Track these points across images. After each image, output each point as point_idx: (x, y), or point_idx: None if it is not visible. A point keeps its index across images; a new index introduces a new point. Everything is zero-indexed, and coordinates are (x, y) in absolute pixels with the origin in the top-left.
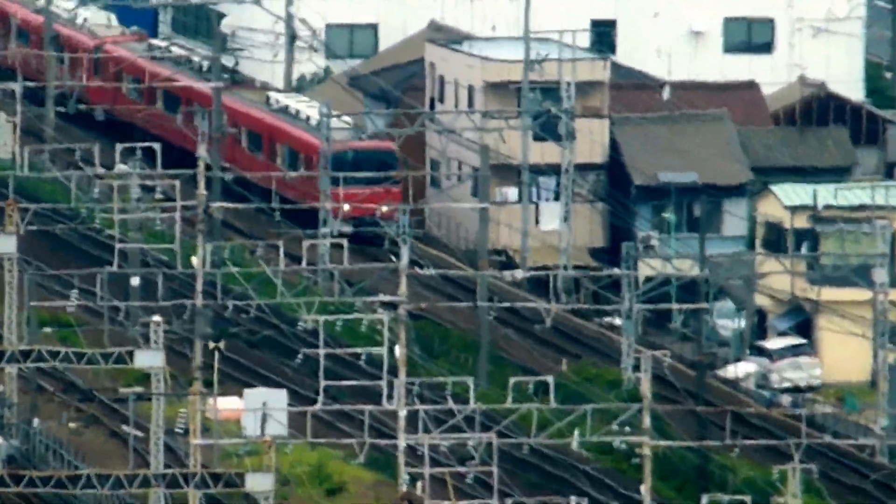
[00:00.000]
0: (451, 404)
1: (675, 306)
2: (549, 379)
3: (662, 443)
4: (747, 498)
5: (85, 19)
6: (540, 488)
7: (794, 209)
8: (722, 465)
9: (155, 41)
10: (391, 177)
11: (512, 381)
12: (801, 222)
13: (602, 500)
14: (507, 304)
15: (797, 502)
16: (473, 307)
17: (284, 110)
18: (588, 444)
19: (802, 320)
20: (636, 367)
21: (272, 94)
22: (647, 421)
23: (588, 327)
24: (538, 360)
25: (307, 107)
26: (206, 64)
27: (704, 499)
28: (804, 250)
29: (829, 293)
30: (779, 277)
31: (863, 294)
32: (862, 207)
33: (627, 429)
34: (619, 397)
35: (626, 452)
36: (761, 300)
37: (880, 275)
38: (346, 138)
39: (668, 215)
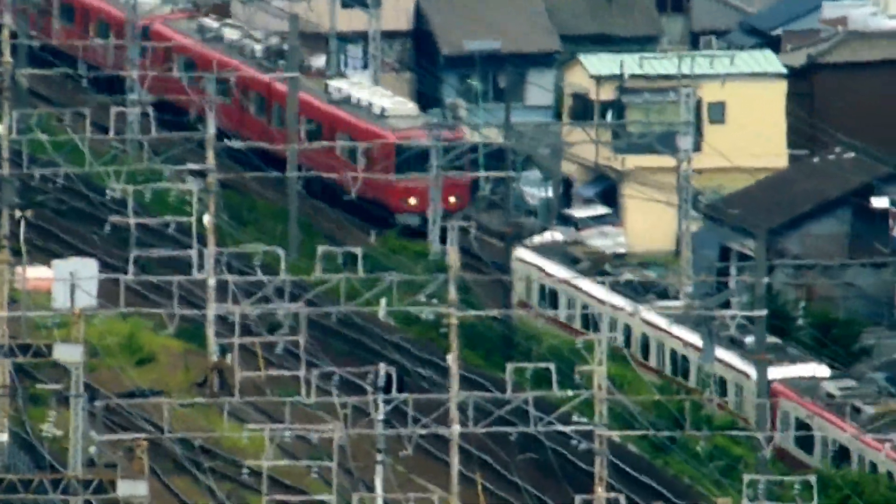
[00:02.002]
0: (260, 275)
1: (481, 174)
2: (357, 250)
3: (469, 312)
4: (551, 366)
5: None
6: (348, 357)
7: (600, 79)
8: (527, 334)
9: None
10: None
11: (320, 250)
12: (608, 92)
13: (410, 368)
14: (314, 174)
15: (602, 370)
16: (282, 177)
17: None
18: (395, 314)
19: (607, 188)
20: (443, 240)
21: (333, 83)
22: (453, 291)
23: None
24: (347, 230)
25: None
26: None
27: (509, 367)
28: (609, 120)
29: (633, 161)
30: (585, 147)
31: (667, 161)
32: (667, 77)
33: (435, 300)
34: (426, 267)
35: (432, 322)
36: (567, 168)
37: (685, 142)
38: (411, 127)
39: (475, 84)
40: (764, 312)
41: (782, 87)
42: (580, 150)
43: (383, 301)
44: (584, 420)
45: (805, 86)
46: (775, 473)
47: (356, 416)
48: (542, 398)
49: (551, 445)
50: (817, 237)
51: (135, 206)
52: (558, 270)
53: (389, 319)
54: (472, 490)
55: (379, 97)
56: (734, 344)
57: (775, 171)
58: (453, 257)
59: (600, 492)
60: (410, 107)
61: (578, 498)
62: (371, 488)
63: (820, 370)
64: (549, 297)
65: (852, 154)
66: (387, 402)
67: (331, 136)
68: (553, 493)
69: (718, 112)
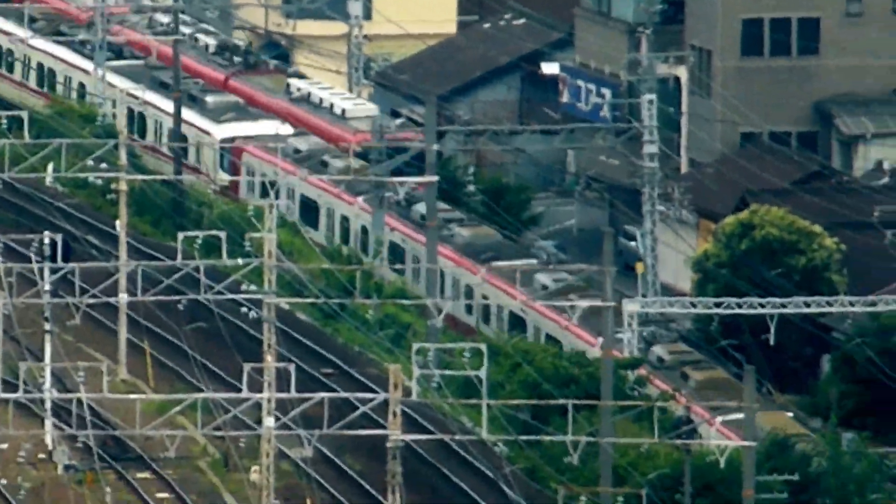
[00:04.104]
0: None
1: (147, 41)
2: (23, 113)
3: (139, 177)
4: (223, 234)
5: None
6: (13, 224)
7: None
8: (199, 200)
9: None
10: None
11: None
12: None
13: (77, 235)
14: None
15: (272, 237)
16: None
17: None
18: (63, 180)
19: (279, 56)
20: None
21: (293, 82)
22: (123, 156)
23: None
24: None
25: None
26: None
27: (180, 235)
28: None
29: (304, 27)
30: (256, 12)
31: (338, 28)
32: None
33: (104, 164)
34: (94, 132)
35: (101, 188)
36: (240, 36)
37: (355, 8)
38: (371, 129)
39: None
40: (434, 178)
41: None
42: (251, 16)
43: (50, 166)
44: (254, 288)
45: None
46: (445, 341)
47: (22, 285)
48: (212, 266)
49: (221, 313)
50: (487, 103)
51: None
52: (16, 30)
53: (56, 185)
54: (140, 359)
55: None
56: (196, 104)
57: (445, 38)
58: (122, 122)
59: (269, 360)
60: (369, 107)
61: (247, 366)
62: (39, 357)
63: (283, 129)
64: (5, 58)
65: (522, 20)
66: (54, 270)
67: None
68: (223, 361)
69: None
